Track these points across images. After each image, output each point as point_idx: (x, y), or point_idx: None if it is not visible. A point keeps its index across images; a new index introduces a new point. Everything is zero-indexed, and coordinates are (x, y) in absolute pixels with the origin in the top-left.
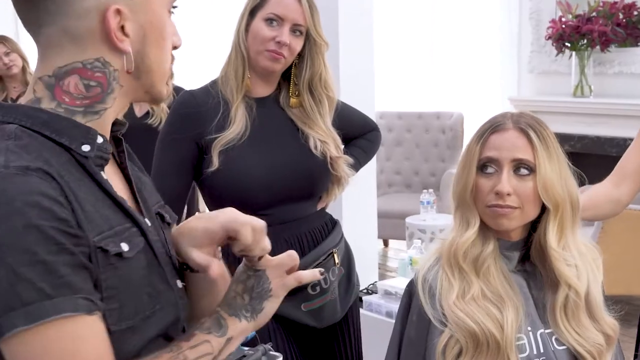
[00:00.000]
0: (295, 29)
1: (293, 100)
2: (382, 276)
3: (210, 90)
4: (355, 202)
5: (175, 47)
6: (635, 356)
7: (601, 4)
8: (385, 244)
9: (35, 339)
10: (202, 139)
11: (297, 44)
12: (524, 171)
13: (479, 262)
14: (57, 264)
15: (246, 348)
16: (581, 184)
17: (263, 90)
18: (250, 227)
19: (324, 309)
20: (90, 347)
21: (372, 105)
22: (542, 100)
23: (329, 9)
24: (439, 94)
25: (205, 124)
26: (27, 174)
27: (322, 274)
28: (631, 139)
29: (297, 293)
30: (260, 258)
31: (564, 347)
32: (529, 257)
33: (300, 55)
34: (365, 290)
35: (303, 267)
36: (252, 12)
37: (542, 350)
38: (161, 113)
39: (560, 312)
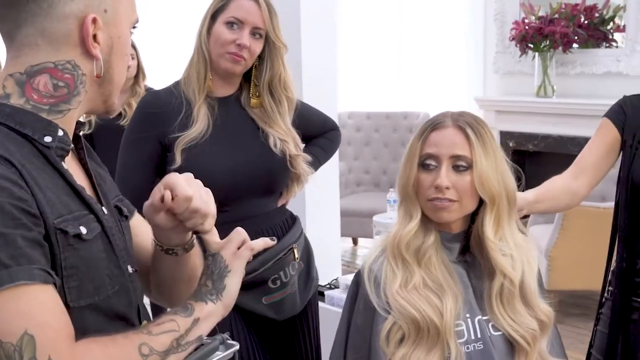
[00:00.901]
0: (255, 32)
1: (254, 100)
2: (348, 273)
3: (174, 91)
4: (318, 200)
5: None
6: (590, 353)
7: (563, 5)
8: (355, 242)
9: None
10: (165, 138)
11: (257, 47)
12: (461, 166)
13: (421, 252)
14: (15, 236)
15: (205, 337)
16: (518, 180)
17: (225, 90)
18: (184, 178)
19: (284, 302)
20: (45, 310)
21: (334, 105)
22: (506, 100)
23: (290, 10)
24: (407, 95)
25: (168, 123)
26: None
27: (272, 240)
28: None
29: (258, 286)
30: (205, 231)
31: (499, 332)
32: (469, 248)
33: (261, 57)
34: (327, 285)
35: (264, 262)
36: (213, 16)
37: (479, 336)
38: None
39: (496, 300)
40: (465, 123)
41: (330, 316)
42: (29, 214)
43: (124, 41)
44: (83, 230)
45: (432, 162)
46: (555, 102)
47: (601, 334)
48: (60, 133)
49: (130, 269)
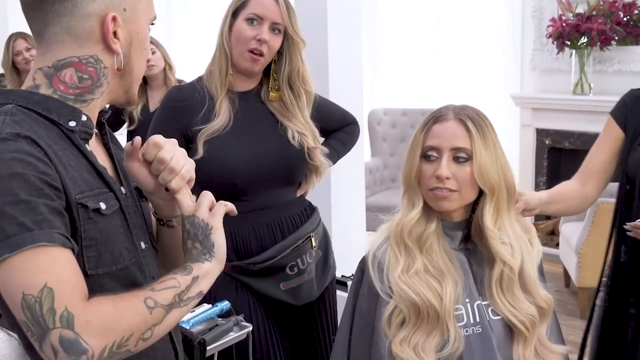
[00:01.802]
0: (274, 28)
1: (273, 94)
2: None
3: (196, 86)
4: (343, 194)
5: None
6: (583, 347)
7: (601, 2)
8: None
9: (16, 264)
10: (188, 130)
11: (276, 42)
12: (461, 158)
13: (423, 239)
14: (38, 204)
15: (220, 319)
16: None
17: (245, 85)
18: (163, 138)
19: (301, 288)
20: (64, 267)
21: (360, 101)
22: (543, 97)
23: (317, 8)
24: (443, 91)
25: (191, 116)
26: (17, 139)
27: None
28: None
29: (276, 273)
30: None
31: (498, 317)
32: (471, 236)
33: (280, 52)
34: (350, 276)
35: (282, 250)
36: (234, 14)
37: (478, 320)
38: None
39: (495, 286)
40: (466, 116)
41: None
42: (52, 187)
43: (142, 37)
44: (102, 205)
45: (434, 154)
46: (592, 100)
47: (595, 328)
48: (84, 118)
49: (143, 245)
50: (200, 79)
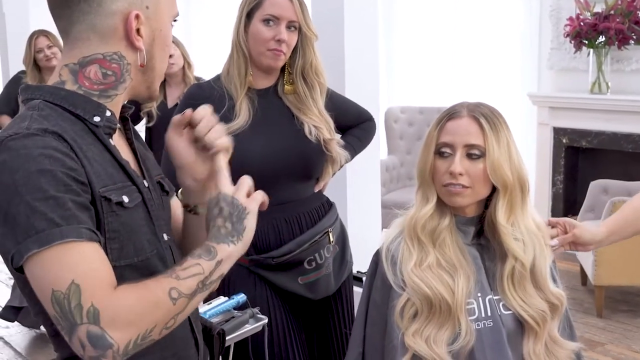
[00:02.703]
0: (290, 26)
1: (287, 87)
2: None
3: (214, 85)
4: (359, 192)
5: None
6: None
7: (619, 1)
8: None
9: (46, 259)
10: None
11: (293, 39)
12: (474, 154)
13: (436, 234)
14: (65, 200)
15: (236, 311)
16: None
17: (264, 82)
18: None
19: (319, 282)
20: (90, 263)
21: (376, 99)
22: (560, 96)
23: (335, 7)
24: (460, 90)
25: None
26: (45, 134)
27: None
28: None
29: (295, 267)
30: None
31: (509, 312)
32: (484, 232)
33: (294, 47)
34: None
35: (300, 244)
36: (248, 15)
37: (489, 314)
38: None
39: (507, 281)
40: (480, 113)
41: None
42: (78, 182)
43: (164, 33)
44: (125, 199)
45: (447, 150)
46: (610, 99)
47: None
48: (108, 114)
49: (165, 237)
50: (218, 77)
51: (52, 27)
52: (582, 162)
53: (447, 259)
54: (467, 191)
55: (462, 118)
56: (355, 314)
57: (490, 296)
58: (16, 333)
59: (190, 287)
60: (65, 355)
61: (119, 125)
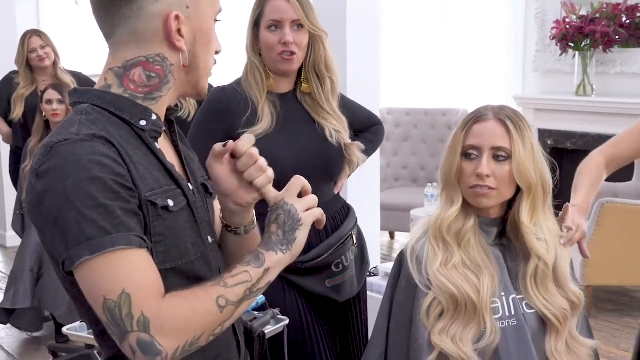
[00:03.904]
0: (294, 25)
1: (304, 85)
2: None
3: (237, 89)
4: (359, 194)
5: (217, 52)
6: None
7: (604, 5)
8: (392, 236)
9: (97, 266)
10: (233, 132)
11: (302, 38)
12: (501, 157)
13: (461, 235)
14: (115, 208)
15: (256, 312)
16: (553, 172)
17: (284, 86)
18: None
19: (345, 284)
20: (140, 271)
21: (377, 101)
22: (545, 98)
23: (337, 9)
24: (446, 91)
25: (235, 118)
26: (93, 140)
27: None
28: None
29: (323, 270)
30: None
31: (532, 310)
32: (506, 232)
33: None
34: (368, 273)
35: (328, 248)
36: (256, 24)
37: (513, 313)
38: (189, 107)
39: (530, 280)
40: (505, 116)
41: (370, 302)
42: (127, 188)
43: (207, 31)
44: (170, 203)
45: (474, 152)
46: (595, 101)
47: None
48: (154, 117)
49: (210, 239)
50: (239, 82)
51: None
52: (567, 163)
53: (472, 259)
54: (494, 193)
55: (488, 121)
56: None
57: (513, 295)
58: (7, 335)
59: (237, 295)
60: (110, 355)
61: (164, 127)
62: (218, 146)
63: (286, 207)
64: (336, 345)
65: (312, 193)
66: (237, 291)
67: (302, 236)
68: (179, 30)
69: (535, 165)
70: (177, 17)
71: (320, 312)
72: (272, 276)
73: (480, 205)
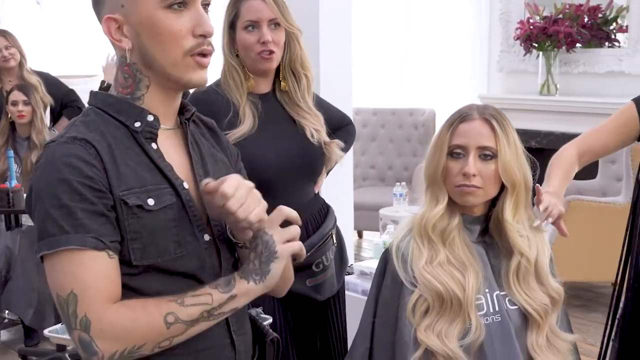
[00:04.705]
0: (271, 24)
1: (283, 84)
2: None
3: (218, 90)
4: (333, 194)
5: (203, 35)
6: (609, 339)
7: (567, 6)
8: (360, 235)
9: (54, 262)
10: None
11: (280, 36)
12: (487, 156)
13: (446, 233)
14: (77, 209)
15: None
16: (534, 170)
17: (264, 87)
18: (237, 182)
19: (325, 283)
20: (90, 274)
21: (349, 101)
22: (510, 98)
23: (309, 8)
24: (412, 92)
25: (218, 120)
26: (73, 142)
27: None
28: None
29: (304, 270)
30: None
31: (515, 306)
32: (488, 230)
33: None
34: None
35: (309, 247)
36: (231, 26)
37: (497, 309)
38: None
39: (513, 277)
40: (490, 116)
41: (347, 300)
42: (94, 190)
43: (150, 23)
44: (150, 202)
45: (461, 152)
46: (558, 100)
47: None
48: (150, 118)
49: (207, 237)
50: (219, 83)
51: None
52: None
53: (457, 257)
54: (480, 191)
55: (474, 120)
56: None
57: (497, 292)
58: None
59: (191, 315)
60: None
61: (173, 127)
62: (208, 186)
63: (265, 237)
64: (316, 343)
65: (297, 193)
66: (191, 311)
67: (276, 269)
68: (122, 31)
69: (519, 164)
70: (113, 20)
71: (299, 312)
72: (238, 303)
73: (466, 204)
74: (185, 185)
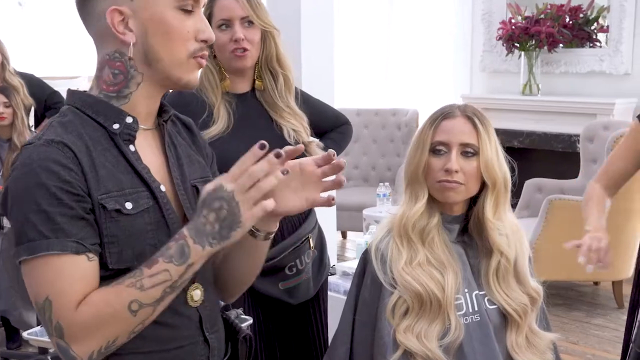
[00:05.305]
0: (244, 22)
1: (258, 82)
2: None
3: (193, 92)
4: None
5: (204, 41)
6: (628, 346)
7: (549, 6)
8: (344, 235)
9: (32, 267)
10: None
11: (254, 34)
12: (469, 153)
13: (425, 233)
14: (55, 214)
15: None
16: (512, 170)
17: (241, 86)
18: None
19: (299, 287)
20: (68, 277)
21: (331, 102)
22: (493, 98)
23: (291, 8)
24: (395, 92)
25: (193, 121)
26: (50, 145)
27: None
28: (577, 135)
29: (276, 273)
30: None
31: (494, 306)
32: (467, 229)
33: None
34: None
35: (282, 250)
36: None
37: (476, 309)
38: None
39: (492, 276)
40: (472, 113)
41: (329, 300)
42: (72, 194)
43: (162, 21)
44: (128, 205)
45: (443, 148)
46: (540, 100)
47: None
48: (129, 120)
49: None
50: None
51: None
52: (514, 162)
53: (436, 257)
54: (461, 188)
55: (456, 118)
56: (327, 315)
57: (476, 292)
58: None
59: (154, 297)
60: None
61: (151, 127)
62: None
63: (233, 203)
64: (293, 347)
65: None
66: (153, 293)
67: (236, 236)
68: (127, 24)
69: (499, 162)
70: (118, 12)
71: (275, 314)
72: (195, 269)
73: (447, 200)
74: (162, 188)
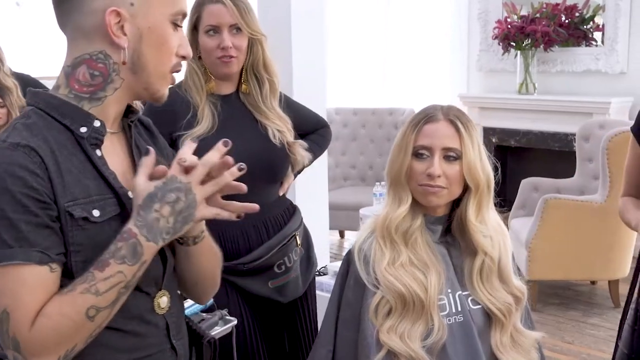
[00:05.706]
0: (232, 29)
1: (244, 86)
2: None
3: (178, 92)
4: (308, 193)
5: (183, 57)
6: (617, 345)
7: (544, 5)
8: (342, 235)
9: None
10: (173, 134)
11: (241, 41)
12: (452, 157)
13: (408, 234)
14: (20, 222)
15: (204, 314)
16: (495, 170)
17: (226, 88)
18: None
19: (288, 285)
20: (26, 289)
21: (323, 102)
22: (489, 97)
23: (281, 9)
24: (392, 91)
25: (176, 121)
26: (16, 149)
27: (240, 169)
28: (573, 134)
29: (265, 272)
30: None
31: (478, 306)
32: (450, 230)
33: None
34: (317, 272)
35: (270, 249)
36: (195, 28)
37: (459, 309)
38: (136, 108)
39: (476, 276)
40: (455, 117)
41: (320, 301)
42: (38, 201)
43: (157, 31)
44: (95, 213)
45: (425, 152)
46: (537, 99)
47: (629, 328)
48: (97, 124)
49: None
50: (180, 84)
51: None
52: (511, 160)
53: (419, 258)
54: (444, 192)
55: (439, 121)
56: (317, 311)
57: (459, 292)
58: None
59: (110, 299)
60: None
61: (112, 130)
62: (146, 162)
63: (190, 195)
64: (285, 345)
65: (256, 195)
66: (109, 296)
67: (186, 229)
68: (121, 27)
69: (482, 164)
70: (117, 13)
71: (265, 313)
72: (147, 265)
73: (430, 204)
74: (130, 194)
